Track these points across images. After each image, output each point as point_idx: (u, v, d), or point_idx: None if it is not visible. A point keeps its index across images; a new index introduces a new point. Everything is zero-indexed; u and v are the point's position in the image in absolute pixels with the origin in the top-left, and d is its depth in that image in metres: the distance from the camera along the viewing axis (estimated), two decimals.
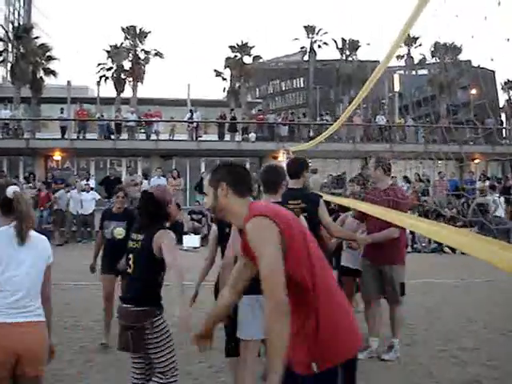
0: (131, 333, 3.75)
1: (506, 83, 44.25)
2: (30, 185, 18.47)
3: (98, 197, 17.50)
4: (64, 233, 17.03)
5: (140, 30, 38.25)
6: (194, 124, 25.96)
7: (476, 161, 25.51)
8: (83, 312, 7.95)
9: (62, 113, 25.80)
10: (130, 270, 3.93)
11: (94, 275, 6.83)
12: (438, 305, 8.44)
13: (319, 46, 44.97)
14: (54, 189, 18.37)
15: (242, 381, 4.02)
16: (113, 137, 25.18)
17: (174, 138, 26.26)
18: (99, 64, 37.86)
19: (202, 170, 25.61)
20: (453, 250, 15.10)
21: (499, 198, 17.19)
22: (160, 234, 3.79)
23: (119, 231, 6.18)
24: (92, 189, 17.95)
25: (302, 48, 46.56)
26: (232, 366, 4.58)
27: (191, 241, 15.28)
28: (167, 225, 4.07)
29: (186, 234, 16.08)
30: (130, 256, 3.92)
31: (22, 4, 62.80)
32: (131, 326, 3.76)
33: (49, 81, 35.54)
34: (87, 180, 18.50)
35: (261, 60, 42.93)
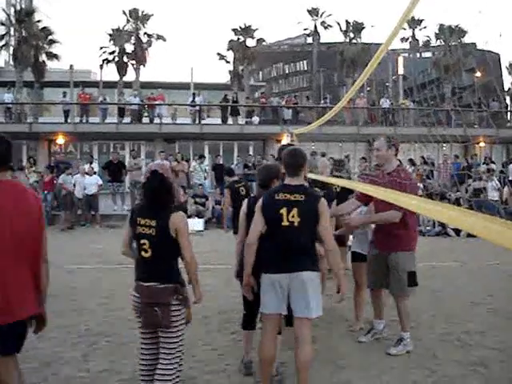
0: (159, 309, 3.75)
1: (511, 65, 43.94)
2: (34, 169, 18.48)
3: (101, 182, 17.48)
4: (70, 216, 17.01)
5: (142, 12, 38.08)
6: (197, 107, 25.87)
7: (481, 144, 25.39)
8: (88, 296, 7.96)
9: (64, 97, 25.67)
10: (146, 255, 3.86)
11: (99, 259, 6.82)
12: (442, 288, 8.41)
13: (325, 28, 44.68)
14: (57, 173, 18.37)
15: (262, 350, 4.27)
16: (115, 120, 25.14)
17: (177, 122, 26.18)
18: (101, 47, 37.77)
19: (206, 152, 25.57)
20: (457, 233, 15.08)
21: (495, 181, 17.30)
22: (175, 217, 3.80)
23: None
24: (95, 173, 17.95)
25: (305, 30, 46.26)
26: (247, 339, 4.95)
27: (195, 224, 15.26)
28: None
29: (189, 217, 16.07)
30: (145, 241, 3.84)
31: None
32: (157, 303, 3.75)
33: (51, 64, 35.47)
34: (90, 163, 18.49)
35: (264, 43, 42.71)
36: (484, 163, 20.47)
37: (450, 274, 9.78)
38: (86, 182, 16.97)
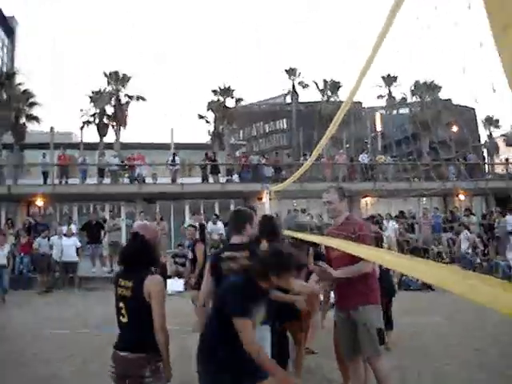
0: (129, 382, 3.56)
1: (486, 119, 44.92)
2: (11, 231, 18.20)
3: (79, 244, 17.19)
4: (46, 279, 16.63)
5: (123, 74, 38.49)
6: (177, 167, 25.89)
7: (460, 196, 25.61)
8: (63, 361, 7.63)
9: (44, 158, 25.60)
10: (123, 319, 3.69)
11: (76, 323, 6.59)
12: (428, 345, 8.20)
13: (303, 87, 45.56)
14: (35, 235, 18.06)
15: None
16: (95, 181, 25.03)
17: (158, 182, 26.14)
18: (82, 110, 37.98)
19: (187, 212, 25.43)
20: None
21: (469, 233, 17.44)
22: (150, 280, 3.61)
23: None
24: (74, 234, 17.64)
25: (283, 90, 47.16)
26: None
27: (175, 285, 14.99)
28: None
29: (169, 277, 15.80)
30: (121, 304, 3.69)
31: (5, 51, 63.31)
32: (129, 375, 3.56)
33: (32, 127, 35.52)
34: (69, 225, 18.20)
35: (243, 103, 43.30)
36: (464, 215, 20.57)
37: (438, 329, 9.56)
38: (64, 243, 16.67)
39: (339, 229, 5.02)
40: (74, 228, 18.43)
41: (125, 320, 3.68)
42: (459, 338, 8.90)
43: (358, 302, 4.81)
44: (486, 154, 36.50)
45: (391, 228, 18.37)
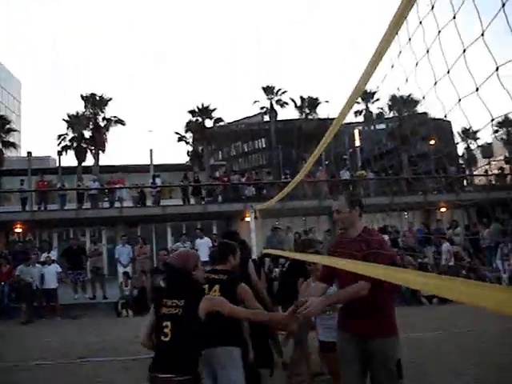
0: None
1: (463, 132, 45.37)
2: None
3: (60, 270, 16.82)
4: (30, 308, 16.22)
5: (100, 97, 38.29)
6: (157, 189, 25.67)
7: (442, 209, 25.73)
8: None
9: (22, 184, 25.24)
10: (166, 339, 3.63)
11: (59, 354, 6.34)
12: (423, 359, 8.03)
13: (281, 105, 45.63)
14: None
15: None
16: (75, 206, 24.71)
17: (138, 205, 25.88)
18: (60, 135, 37.66)
19: (169, 234, 25.19)
20: (429, 300, 14.91)
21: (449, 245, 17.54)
22: (207, 298, 3.80)
23: None
24: (54, 261, 17.23)
25: (262, 109, 47.16)
26: None
27: None
28: None
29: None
30: (167, 323, 3.64)
31: None
32: None
33: (9, 153, 35.12)
34: (48, 252, 17.80)
35: (222, 123, 43.27)
36: (449, 228, 20.62)
37: (430, 343, 9.44)
38: (44, 271, 16.31)
39: (353, 244, 4.19)
40: (54, 254, 18.05)
41: (167, 339, 3.63)
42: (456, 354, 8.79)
43: (375, 331, 4.08)
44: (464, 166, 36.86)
45: None
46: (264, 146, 61.17)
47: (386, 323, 4.17)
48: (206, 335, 3.77)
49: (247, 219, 10.40)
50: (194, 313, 3.61)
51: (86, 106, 38.07)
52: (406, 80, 2.56)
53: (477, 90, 1.92)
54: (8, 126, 34.58)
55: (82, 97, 38.29)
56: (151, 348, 3.79)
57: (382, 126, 46.59)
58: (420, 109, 39.42)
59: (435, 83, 2.24)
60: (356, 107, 45.12)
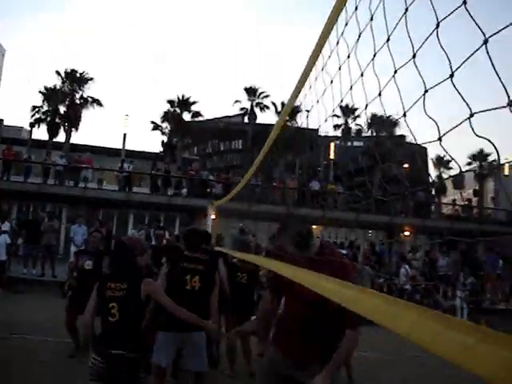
0: (125, 378, 3.84)
1: (437, 159, 45.74)
2: None
3: (9, 241, 16.26)
4: None
5: (81, 74, 37.64)
6: (125, 174, 25.23)
7: (406, 233, 25.84)
8: None
9: None
10: (112, 319, 3.92)
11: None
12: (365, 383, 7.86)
13: (261, 109, 45.40)
14: None
15: None
16: (40, 181, 24.17)
17: (103, 187, 25.42)
18: (35, 107, 36.92)
19: (131, 222, 24.80)
20: None
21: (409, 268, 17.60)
22: (146, 282, 4.02)
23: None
24: (5, 232, 16.63)
25: (242, 109, 46.87)
26: None
27: None
28: None
29: None
30: (114, 305, 3.92)
31: None
32: (122, 373, 3.83)
33: None
34: (2, 223, 17.24)
35: (200, 118, 42.90)
36: (409, 251, 20.67)
37: (372, 365, 9.24)
38: None
39: (314, 260, 3.33)
40: (6, 225, 17.46)
41: (114, 319, 3.91)
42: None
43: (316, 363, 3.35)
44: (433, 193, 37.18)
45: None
46: (240, 147, 60.93)
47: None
48: (183, 322, 4.40)
49: (209, 215, 10.14)
50: (136, 295, 3.92)
51: (64, 82, 37.36)
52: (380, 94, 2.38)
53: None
54: None
55: (60, 72, 37.58)
56: (89, 331, 4.13)
57: (359, 143, 46.79)
58: (398, 131, 39.68)
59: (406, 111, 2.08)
60: (336, 121, 45.23)
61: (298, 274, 2.84)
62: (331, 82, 3.11)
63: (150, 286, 4.03)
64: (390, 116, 38.00)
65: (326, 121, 3.54)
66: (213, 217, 9.64)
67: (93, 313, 4.09)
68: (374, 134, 41.85)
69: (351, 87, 2.70)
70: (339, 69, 2.85)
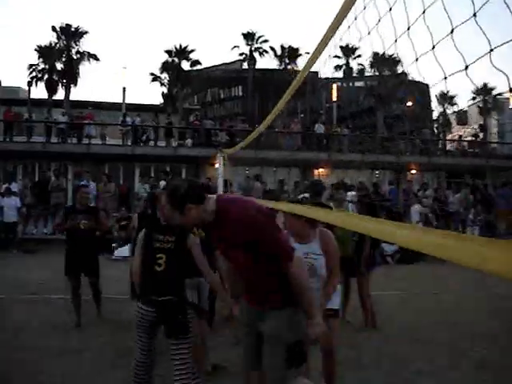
0: (179, 320, 4.11)
1: (441, 95, 45.20)
2: None
3: (19, 204, 16.25)
4: None
5: (76, 29, 36.95)
6: (128, 128, 25.02)
7: (412, 171, 25.70)
8: None
9: None
10: (160, 268, 4.19)
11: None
12: (384, 322, 7.79)
13: (260, 54, 44.54)
14: None
15: None
16: (42, 139, 23.98)
17: (107, 143, 25.22)
18: (31, 65, 36.40)
19: (136, 175, 24.70)
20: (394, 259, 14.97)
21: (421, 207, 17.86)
22: (191, 239, 4.34)
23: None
24: (14, 193, 16.63)
25: (241, 55, 46.00)
26: None
27: (121, 250, 14.39)
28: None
29: (115, 242, 15.22)
30: (162, 255, 4.21)
31: None
32: (170, 318, 4.11)
33: None
34: (9, 184, 17.18)
35: (199, 66, 42.28)
36: (419, 190, 20.52)
37: (390, 304, 9.21)
38: (4, 204, 15.79)
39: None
40: (14, 186, 17.43)
41: (160, 269, 4.20)
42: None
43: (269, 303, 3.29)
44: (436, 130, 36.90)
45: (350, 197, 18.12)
46: (241, 94, 60.25)
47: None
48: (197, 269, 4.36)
49: (217, 166, 10.01)
50: (182, 248, 4.26)
51: (59, 38, 36.71)
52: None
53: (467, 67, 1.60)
54: None
55: (56, 28, 36.89)
56: (138, 280, 4.34)
57: (361, 83, 46.17)
58: (400, 69, 38.98)
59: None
60: (336, 61, 44.48)
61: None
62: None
63: (192, 242, 4.33)
64: (392, 55, 37.36)
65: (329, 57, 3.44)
66: (222, 164, 9.51)
67: (140, 263, 4.35)
68: (377, 73, 41.11)
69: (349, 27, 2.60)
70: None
